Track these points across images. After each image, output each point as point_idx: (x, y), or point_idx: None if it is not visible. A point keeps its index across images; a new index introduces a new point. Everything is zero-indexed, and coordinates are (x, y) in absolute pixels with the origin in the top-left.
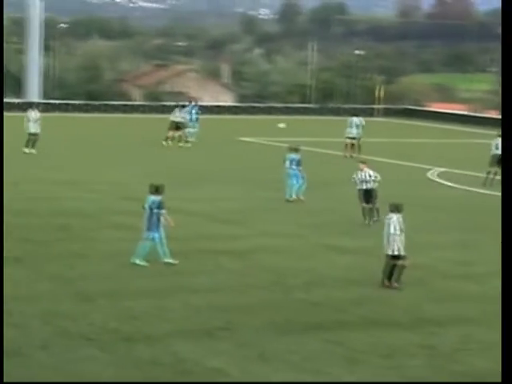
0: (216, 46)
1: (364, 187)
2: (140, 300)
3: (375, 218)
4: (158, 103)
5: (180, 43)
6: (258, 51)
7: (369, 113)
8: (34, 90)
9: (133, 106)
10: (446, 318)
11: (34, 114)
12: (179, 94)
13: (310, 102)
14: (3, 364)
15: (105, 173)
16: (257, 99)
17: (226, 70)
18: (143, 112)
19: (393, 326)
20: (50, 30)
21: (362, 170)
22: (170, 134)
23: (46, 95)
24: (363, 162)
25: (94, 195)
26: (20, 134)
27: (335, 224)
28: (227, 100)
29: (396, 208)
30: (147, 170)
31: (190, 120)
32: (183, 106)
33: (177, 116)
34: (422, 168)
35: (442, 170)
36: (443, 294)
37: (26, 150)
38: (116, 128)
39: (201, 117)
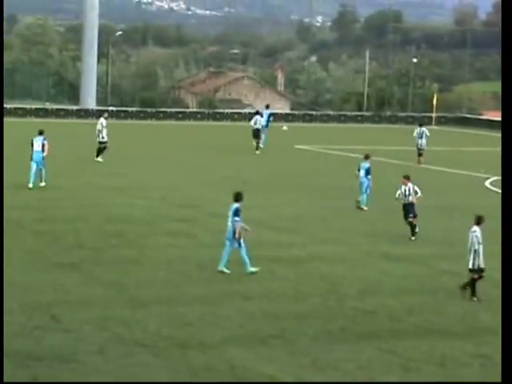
0: (271, 54)
1: (402, 201)
2: (194, 306)
3: (413, 236)
4: (213, 110)
5: (235, 50)
6: (313, 59)
7: (425, 121)
8: (90, 97)
9: (188, 113)
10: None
11: (104, 122)
12: (234, 102)
13: (365, 110)
14: (3, 364)
15: (161, 179)
16: (312, 107)
17: (280, 77)
18: (198, 119)
19: (447, 334)
20: (106, 38)
21: (405, 185)
22: (255, 142)
23: (101, 102)
24: (406, 178)
25: (148, 201)
26: (84, 141)
27: (389, 233)
28: (282, 107)
29: (479, 220)
30: (205, 177)
31: (266, 126)
32: (259, 113)
33: (256, 123)
34: (480, 177)
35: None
36: (498, 303)
37: (100, 159)
38: (171, 135)
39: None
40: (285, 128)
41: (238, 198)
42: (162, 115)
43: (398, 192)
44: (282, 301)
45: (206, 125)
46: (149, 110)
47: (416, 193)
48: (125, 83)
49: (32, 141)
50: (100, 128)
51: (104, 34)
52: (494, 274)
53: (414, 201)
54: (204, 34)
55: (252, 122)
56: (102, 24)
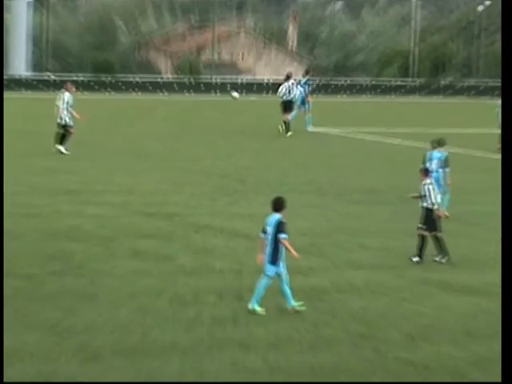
0: None
1: (420, 204)
2: (170, 359)
3: (439, 257)
4: (196, 78)
5: None
6: (338, 4)
7: (496, 92)
8: (19, 61)
9: (161, 82)
10: None
11: (68, 97)
12: (226, 66)
13: (412, 77)
14: (3, 364)
15: (123, 177)
16: (337, 73)
17: (292, 31)
18: (175, 91)
19: None
20: None
21: (422, 182)
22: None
23: (37, 67)
24: (424, 172)
25: (105, 209)
26: (12, 123)
27: (450, 253)
28: (295, 74)
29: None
30: (186, 174)
31: (302, 104)
32: (291, 79)
33: (289, 92)
34: None
35: None
36: None
37: (62, 149)
38: (137, 114)
39: (256, 98)
40: (235, 95)
41: (278, 205)
42: (123, 86)
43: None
44: (295, 350)
45: (187, 99)
46: (104, 77)
47: (433, 203)
48: (70, 41)
49: None
50: (62, 105)
51: None
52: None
53: (434, 207)
54: None
55: (281, 91)
56: None
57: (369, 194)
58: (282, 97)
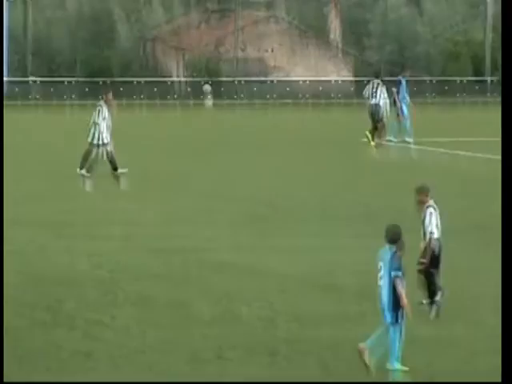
0: None
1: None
2: None
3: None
4: (214, 79)
5: None
6: None
7: None
8: None
9: (170, 84)
10: None
11: (104, 109)
12: (252, 62)
13: (488, 74)
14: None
15: (125, 205)
16: (391, 69)
17: (334, 18)
18: (187, 97)
19: None
20: None
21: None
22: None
23: (17, 70)
24: (420, 192)
25: (100, 244)
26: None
27: None
28: (337, 73)
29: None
30: (201, 200)
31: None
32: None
33: (376, 95)
34: None
35: None
36: None
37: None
38: (141, 125)
39: (296, 101)
40: (207, 87)
41: (394, 236)
42: (123, 90)
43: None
44: None
45: (203, 105)
46: (100, 81)
47: (429, 232)
48: (57, 37)
49: None
50: (96, 119)
51: None
52: None
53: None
54: None
55: (366, 92)
56: None
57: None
58: (367, 99)
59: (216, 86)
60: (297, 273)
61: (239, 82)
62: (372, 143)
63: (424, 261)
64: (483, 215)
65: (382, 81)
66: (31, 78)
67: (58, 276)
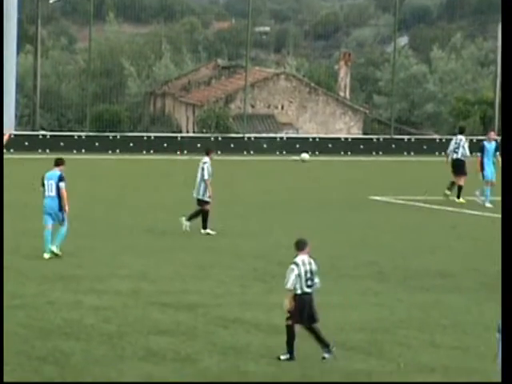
0: (327, 33)
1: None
2: None
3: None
4: (224, 135)
5: (263, 28)
6: (402, 40)
7: None
8: (8, 116)
9: (180, 139)
10: None
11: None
12: (262, 119)
13: (498, 132)
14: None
15: (132, 259)
16: (401, 127)
17: (344, 74)
18: (198, 150)
19: None
20: (32, 9)
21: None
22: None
23: (26, 123)
24: (295, 245)
25: (111, 299)
26: None
27: None
28: (347, 128)
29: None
30: (211, 255)
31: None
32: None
33: (458, 149)
34: None
35: None
36: None
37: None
38: (151, 179)
39: (299, 158)
40: (305, 156)
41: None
42: (132, 144)
43: None
44: None
45: (212, 160)
46: (110, 135)
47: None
48: (66, 89)
49: (43, 178)
50: (206, 176)
51: (30, 1)
52: None
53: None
54: (207, 0)
55: (450, 147)
56: None
57: (441, 278)
58: (450, 153)
59: (225, 142)
60: (304, 330)
61: (249, 138)
62: (461, 200)
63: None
64: (454, 266)
65: (465, 137)
66: (41, 132)
67: (65, 330)
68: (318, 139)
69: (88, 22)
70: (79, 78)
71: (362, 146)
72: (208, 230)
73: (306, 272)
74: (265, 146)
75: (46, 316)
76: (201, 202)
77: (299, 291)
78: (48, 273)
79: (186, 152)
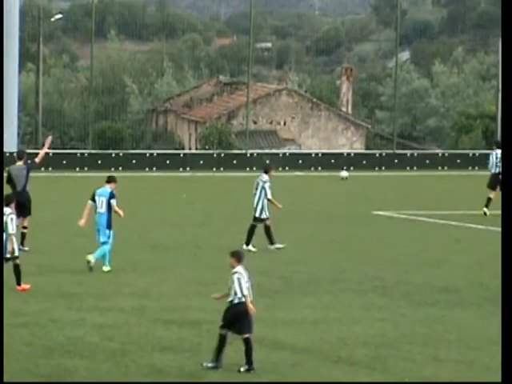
0: (329, 48)
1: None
2: None
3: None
4: (227, 151)
5: (265, 44)
6: (403, 55)
7: None
8: (11, 134)
9: (182, 156)
10: None
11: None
12: (264, 135)
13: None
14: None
15: (136, 276)
16: (403, 142)
17: (346, 91)
18: (201, 167)
19: None
20: (35, 26)
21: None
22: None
23: (28, 141)
24: (232, 256)
25: (112, 316)
26: None
27: None
28: (350, 143)
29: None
30: (215, 271)
31: None
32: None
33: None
34: None
35: None
36: None
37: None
38: (154, 196)
39: (301, 174)
40: (344, 174)
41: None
42: (134, 161)
43: None
44: None
45: (215, 177)
46: (112, 152)
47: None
48: (69, 107)
49: (94, 195)
50: (265, 196)
51: (31, 19)
52: None
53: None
54: (208, 17)
55: (489, 162)
56: (27, 2)
57: (445, 293)
58: (490, 169)
59: (228, 158)
60: (308, 345)
61: (251, 154)
62: (486, 210)
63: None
64: (458, 281)
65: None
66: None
67: (69, 348)
68: (320, 155)
69: (89, 39)
70: (81, 96)
71: (364, 162)
72: (277, 245)
73: (246, 283)
74: (267, 161)
75: (49, 334)
76: (258, 220)
77: (236, 301)
78: (51, 290)
79: (188, 169)
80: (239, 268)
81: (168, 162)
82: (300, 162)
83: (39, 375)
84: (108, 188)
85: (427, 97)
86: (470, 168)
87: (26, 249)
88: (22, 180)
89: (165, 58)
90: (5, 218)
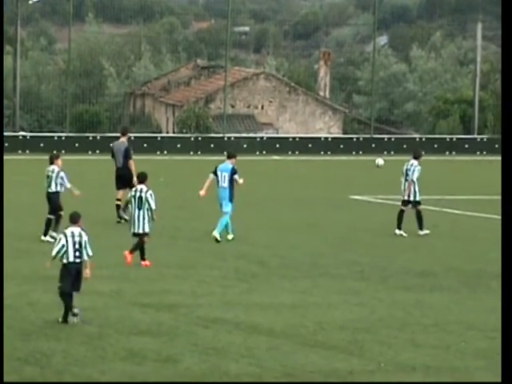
0: (306, 33)
1: None
2: None
3: None
4: (204, 135)
5: (243, 27)
6: (381, 40)
7: None
8: None
9: (159, 139)
10: None
11: None
12: (242, 119)
13: (476, 132)
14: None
15: (114, 259)
16: (381, 126)
17: (324, 74)
18: (178, 151)
19: None
20: (12, 9)
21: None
22: None
23: (5, 125)
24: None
25: (90, 299)
26: None
27: None
28: (327, 128)
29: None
30: (187, 255)
31: None
32: None
33: None
34: None
35: None
36: None
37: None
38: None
39: (279, 158)
40: (380, 162)
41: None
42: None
43: None
44: None
45: (193, 161)
46: (90, 135)
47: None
48: (46, 90)
49: (215, 169)
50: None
51: (9, 1)
52: None
53: None
54: (186, 0)
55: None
56: None
57: (422, 277)
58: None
59: (205, 142)
60: (285, 329)
61: (229, 138)
62: None
63: None
64: (435, 265)
65: None
66: (21, 133)
67: (46, 331)
68: (297, 139)
69: (67, 22)
70: (59, 79)
71: (341, 146)
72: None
73: (74, 243)
74: (245, 145)
75: (27, 317)
76: (409, 203)
77: (65, 260)
78: (28, 273)
79: (165, 152)
80: (68, 229)
81: (145, 145)
82: (277, 146)
83: (16, 358)
84: (229, 164)
85: (405, 81)
86: (447, 153)
87: (126, 217)
88: (120, 156)
89: (143, 42)
90: (143, 194)
